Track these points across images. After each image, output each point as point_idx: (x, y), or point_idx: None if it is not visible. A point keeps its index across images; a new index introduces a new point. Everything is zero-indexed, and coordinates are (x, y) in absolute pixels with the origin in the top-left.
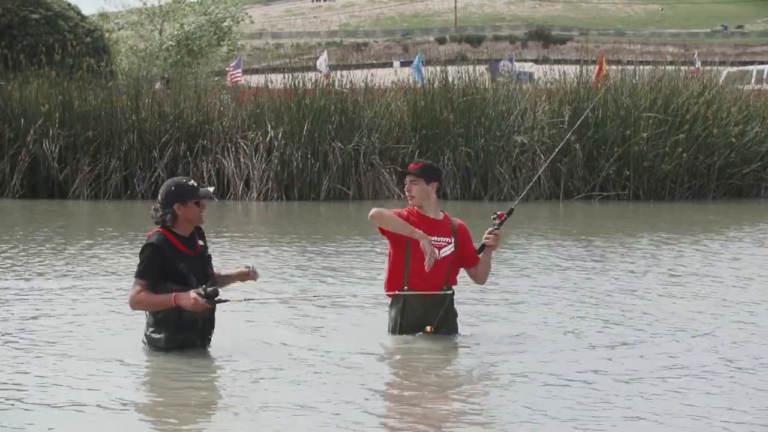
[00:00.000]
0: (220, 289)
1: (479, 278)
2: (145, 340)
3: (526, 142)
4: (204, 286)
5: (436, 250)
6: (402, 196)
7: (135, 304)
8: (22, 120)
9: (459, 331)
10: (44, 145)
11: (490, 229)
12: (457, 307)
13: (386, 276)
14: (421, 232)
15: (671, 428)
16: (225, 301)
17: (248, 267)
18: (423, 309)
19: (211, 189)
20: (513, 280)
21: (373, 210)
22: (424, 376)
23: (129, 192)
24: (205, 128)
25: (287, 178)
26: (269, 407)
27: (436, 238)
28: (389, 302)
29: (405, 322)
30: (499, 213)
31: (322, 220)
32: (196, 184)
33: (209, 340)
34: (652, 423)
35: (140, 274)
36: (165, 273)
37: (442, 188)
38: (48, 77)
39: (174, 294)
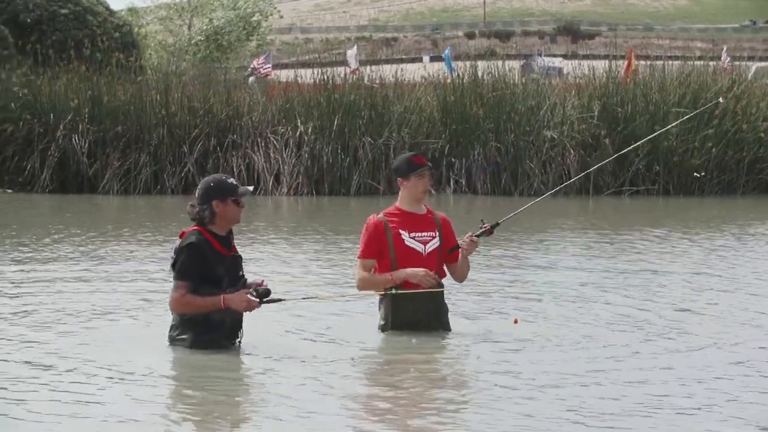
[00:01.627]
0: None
1: (457, 276)
2: (169, 342)
3: (555, 137)
4: (264, 289)
5: (430, 274)
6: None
7: (180, 307)
8: (52, 115)
9: (451, 327)
10: (74, 140)
11: (470, 234)
12: (462, 302)
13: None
14: (404, 271)
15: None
16: (279, 300)
17: (262, 281)
18: (413, 305)
19: (250, 188)
20: (533, 274)
21: (357, 282)
22: (413, 375)
23: (159, 187)
24: (235, 123)
25: (317, 172)
26: (279, 404)
27: (421, 234)
28: (378, 301)
29: (395, 320)
30: (485, 224)
31: (352, 215)
32: (236, 183)
33: (238, 340)
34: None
35: (182, 276)
36: (202, 276)
37: (473, 183)
38: (77, 72)
39: (222, 296)
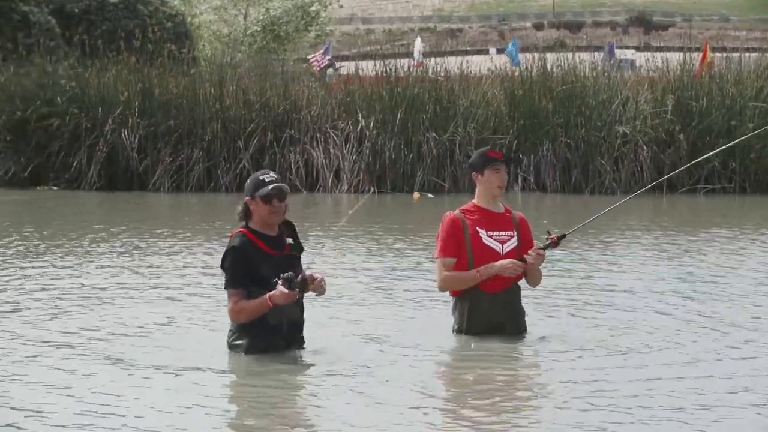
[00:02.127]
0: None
1: (529, 282)
2: (228, 347)
3: (628, 132)
4: (288, 275)
5: (517, 263)
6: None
7: (236, 316)
8: (100, 109)
9: (528, 329)
10: (123, 135)
11: (537, 247)
12: (537, 301)
13: None
14: (493, 265)
15: None
16: (306, 288)
17: (317, 276)
18: (491, 307)
19: (273, 185)
20: (604, 277)
21: (439, 282)
22: (483, 378)
23: (212, 184)
24: (293, 117)
25: (379, 169)
26: (338, 404)
27: (498, 233)
28: (452, 303)
29: (472, 323)
30: (552, 235)
31: (415, 215)
32: (269, 178)
33: (298, 342)
34: None
35: (231, 284)
36: (251, 279)
37: (542, 180)
38: (127, 64)
39: (267, 295)
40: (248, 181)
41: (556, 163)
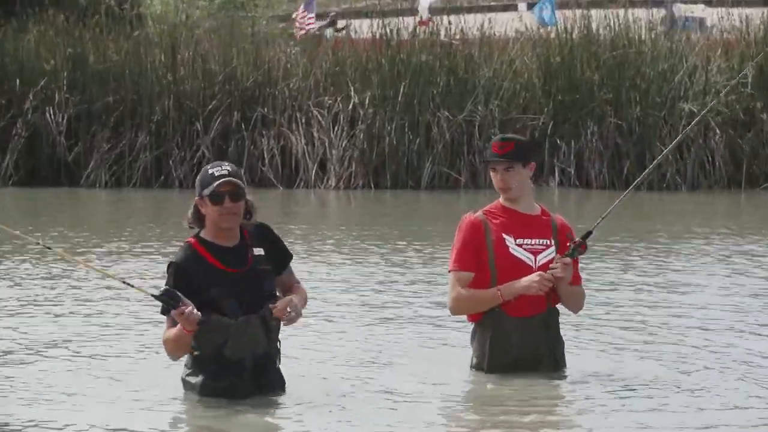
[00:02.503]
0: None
1: (570, 305)
2: (182, 382)
3: (695, 110)
4: (165, 289)
5: (547, 276)
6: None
7: (166, 350)
8: (18, 81)
9: (567, 364)
10: (47, 114)
11: (558, 256)
12: (569, 332)
13: None
14: (518, 283)
15: None
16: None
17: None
18: (521, 337)
19: (230, 178)
20: (660, 296)
21: (451, 302)
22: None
23: (163, 178)
24: (266, 92)
25: (376, 159)
26: None
27: (531, 240)
28: (470, 333)
29: (496, 357)
30: (574, 240)
31: (422, 217)
32: (219, 172)
33: (273, 383)
34: None
35: (165, 310)
36: (193, 301)
37: (585, 173)
38: (53, 24)
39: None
40: (198, 177)
41: (603, 151)
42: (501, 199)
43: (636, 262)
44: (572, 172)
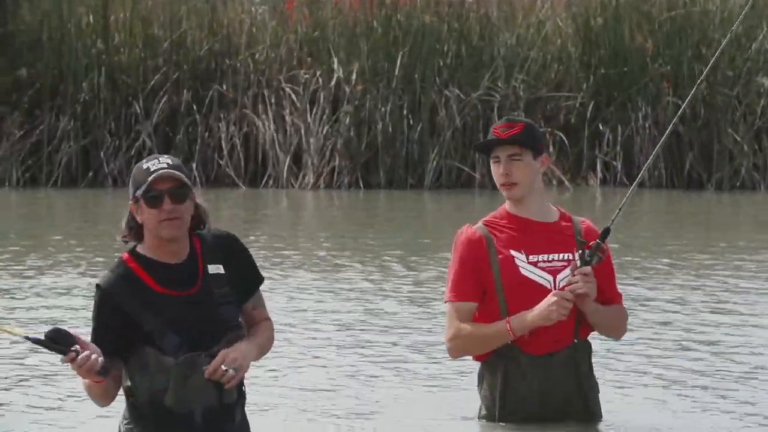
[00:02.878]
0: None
1: (603, 329)
2: None
3: None
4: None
5: (566, 296)
6: (561, 182)
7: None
8: None
9: (603, 414)
10: None
11: (575, 266)
12: (606, 371)
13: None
14: (531, 313)
15: None
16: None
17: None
18: (536, 379)
19: (170, 170)
20: (722, 325)
21: (449, 340)
22: None
23: (92, 174)
24: (224, 64)
25: (366, 150)
26: None
27: (548, 257)
28: (477, 374)
29: (509, 403)
30: (588, 243)
31: (426, 225)
32: (156, 165)
33: None
34: None
35: (92, 340)
36: (124, 332)
37: (635, 168)
38: None
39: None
40: (131, 173)
41: (657, 138)
42: (507, 205)
43: (701, 281)
44: (619, 166)
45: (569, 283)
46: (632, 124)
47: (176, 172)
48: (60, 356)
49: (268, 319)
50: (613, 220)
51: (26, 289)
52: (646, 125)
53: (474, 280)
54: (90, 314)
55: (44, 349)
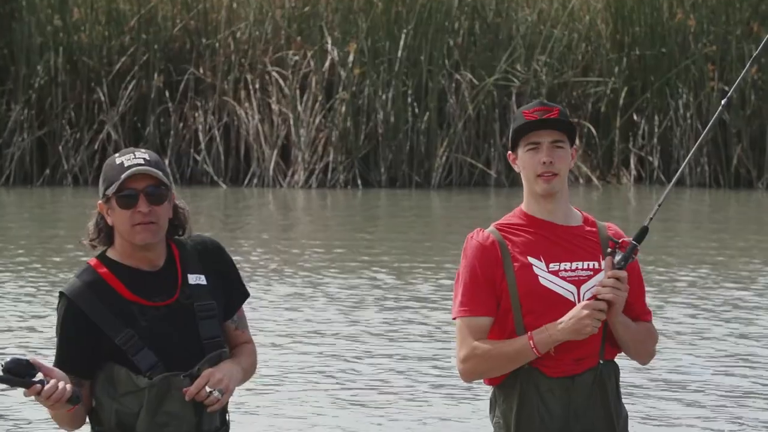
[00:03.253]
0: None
1: (631, 350)
2: None
3: None
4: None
5: (599, 306)
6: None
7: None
8: None
9: None
10: None
11: (608, 268)
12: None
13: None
14: (557, 325)
15: None
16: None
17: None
18: (557, 405)
19: (146, 167)
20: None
21: (461, 362)
22: None
23: (48, 171)
24: (201, 44)
25: (366, 144)
26: None
27: (570, 264)
28: (489, 400)
29: (524, 430)
30: (621, 240)
31: (433, 228)
32: (130, 161)
33: None
34: None
35: (57, 360)
36: (92, 347)
37: (674, 164)
38: None
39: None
40: (102, 169)
41: (702, 131)
42: (524, 205)
43: (750, 296)
44: (655, 161)
45: (598, 292)
46: (671, 114)
47: (154, 170)
48: (24, 390)
49: (251, 341)
50: (650, 218)
51: None
52: (687, 115)
53: (487, 291)
54: (51, 330)
55: (4, 385)
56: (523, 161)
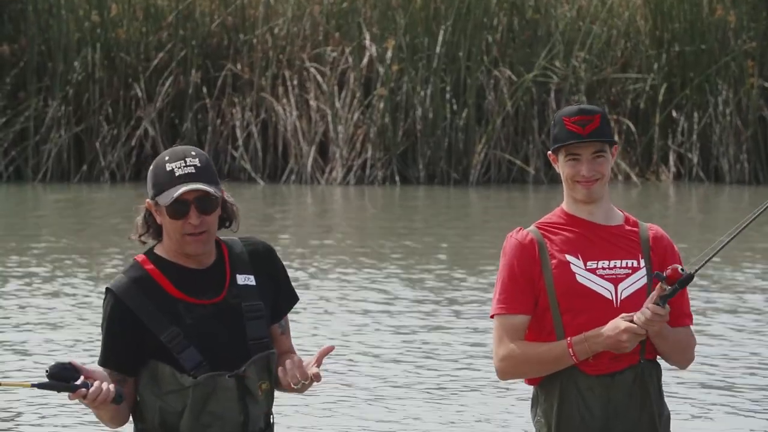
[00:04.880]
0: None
1: (669, 356)
2: None
3: None
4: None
5: (637, 327)
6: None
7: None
8: None
9: None
10: None
11: (652, 299)
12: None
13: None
14: (599, 332)
15: None
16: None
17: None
18: (597, 404)
19: (199, 185)
20: None
21: (498, 361)
22: None
23: (86, 168)
24: (239, 40)
25: (404, 140)
26: None
27: (609, 263)
28: (530, 398)
29: (565, 430)
30: (669, 270)
31: (472, 225)
32: (181, 169)
33: None
34: None
35: (100, 359)
36: (137, 343)
37: (714, 162)
38: None
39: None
40: (150, 168)
41: (743, 130)
42: (565, 204)
43: None
44: (695, 159)
45: (639, 320)
46: (711, 110)
47: (205, 186)
48: (68, 395)
49: (294, 352)
50: (698, 269)
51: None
52: (727, 111)
53: (525, 289)
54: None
55: (52, 392)
56: (563, 168)
